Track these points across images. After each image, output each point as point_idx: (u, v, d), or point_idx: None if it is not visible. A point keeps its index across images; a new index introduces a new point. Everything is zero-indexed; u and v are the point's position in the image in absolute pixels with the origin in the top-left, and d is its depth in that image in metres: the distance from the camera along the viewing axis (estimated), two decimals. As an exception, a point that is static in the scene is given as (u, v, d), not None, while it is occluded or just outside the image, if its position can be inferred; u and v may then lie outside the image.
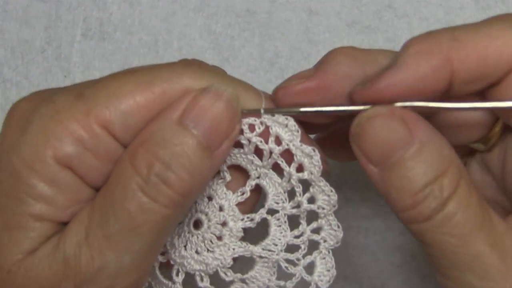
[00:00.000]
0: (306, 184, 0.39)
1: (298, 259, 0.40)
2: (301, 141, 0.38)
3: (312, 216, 0.40)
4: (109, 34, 0.59)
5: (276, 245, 0.40)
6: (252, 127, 0.38)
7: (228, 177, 0.40)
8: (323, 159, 0.39)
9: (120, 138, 0.36)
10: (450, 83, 0.37)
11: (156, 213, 0.35)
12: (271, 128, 0.38)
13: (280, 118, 0.38)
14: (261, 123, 0.38)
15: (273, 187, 0.40)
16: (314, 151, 0.38)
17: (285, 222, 0.40)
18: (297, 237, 0.40)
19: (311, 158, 0.38)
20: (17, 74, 0.60)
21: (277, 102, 0.39)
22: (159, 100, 0.36)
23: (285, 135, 0.38)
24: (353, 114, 0.37)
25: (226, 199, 0.40)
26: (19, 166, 0.35)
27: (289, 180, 0.39)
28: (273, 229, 0.40)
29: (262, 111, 0.38)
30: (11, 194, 0.35)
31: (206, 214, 0.40)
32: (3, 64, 0.60)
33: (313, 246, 0.41)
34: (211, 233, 0.40)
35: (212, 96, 0.36)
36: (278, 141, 0.38)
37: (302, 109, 0.38)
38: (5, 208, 0.35)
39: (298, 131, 0.38)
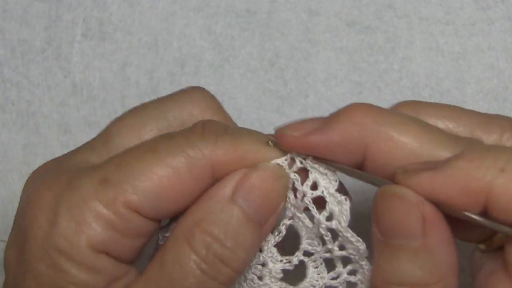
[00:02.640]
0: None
1: None
2: (337, 190, 0.39)
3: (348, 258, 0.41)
4: (109, 34, 0.59)
5: (314, 286, 0.41)
6: (292, 163, 0.39)
7: None
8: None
9: (150, 217, 0.37)
10: (486, 208, 0.35)
11: None
12: (311, 173, 0.38)
13: (321, 167, 0.38)
14: (301, 162, 0.39)
15: (306, 230, 0.40)
16: (346, 200, 0.38)
17: (321, 264, 0.41)
18: (334, 278, 0.41)
19: (341, 206, 0.38)
20: (17, 74, 0.60)
21: (282, 145, 0.39)
22: (187, 182, 0.37)
23: (322, 182, 0.39)
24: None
25: (265, 240, 0.40)
26: (57, 257, 0.36)
27: (318, 227, 0.39)
28: (310, 271, 0.41)
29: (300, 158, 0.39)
30: (54, 285, 0.36)
31: None
32: (3, 64, 0.60)
33: (351, 286, 0.41)
34: (252, 273, 0.40)
35: (262, 173, 0.37)
36: (314, 186, 0.39)
37: (343, 168, 0.38)
38: None
39: (336, 181, 0.38)
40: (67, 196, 0.37)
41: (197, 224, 0.36)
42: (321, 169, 0.38)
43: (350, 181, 0.58)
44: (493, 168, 0.34)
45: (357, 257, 0.40)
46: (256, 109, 0.58)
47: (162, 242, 0.39)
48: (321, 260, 0.41)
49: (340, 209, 0.38)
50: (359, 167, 0.38)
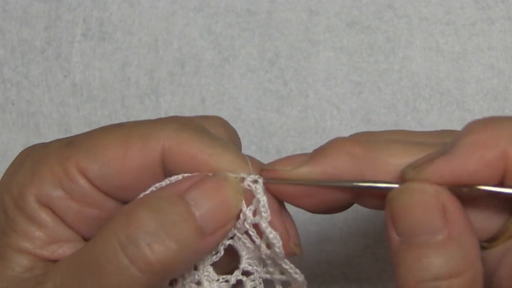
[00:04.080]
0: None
1: None
2: (271, 223, 0.37)
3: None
4: (109, 34, 0.59)
5: None
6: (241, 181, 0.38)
7: None
8: (295, 242, 0.38)
9: (97, 185, 0.38)
10: (504, 177, 0.35)
11: (130, 276, 0.34)
12: (254, 199, 0.37)
13: (263, 197, 0.37)
14: (249, 186, 0.37)
15: (246, 250, 0.39)
16: (276, 239, 0.37)
17: (260, 283, 0.40)
18: None
19: (273, 245, 0.37)
20: (17, 74, 0.60)
21: (273, 179, 0.38)
22: (134, 154, 0.37)
23: (257, 212, 0.37)
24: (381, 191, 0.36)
25: (201, 258, 0.39)
26: (8, 203, 0.38)
27: (259, 251, 0.38)
28: None
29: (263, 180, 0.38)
30: (1, 229, 0.38)
31: (182, 275, 0.39)
32: (3, 64, 0.60)
33: None
34: None
35: (220, 183, 0.36)
36: (255, 212, 0.38)
37: (333, 184, 0.37)
38: None
39: (267, 212, 0.37)
40: (36, 151, 0.39)
41: (138, 205, 0.36)
42: (263, 199, 0.37)
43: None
44: (503, 136, 0.34)
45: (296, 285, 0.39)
46: (256, 109, 0.58)
47: None
48: (260, 280, 0.39)
49: (274, 244, 0.37)
50: (354, 195, 0.38)
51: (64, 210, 0.38)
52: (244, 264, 0.39)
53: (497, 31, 0.57)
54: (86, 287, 0.35)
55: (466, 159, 0.34)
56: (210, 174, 0.37)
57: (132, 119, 0.59)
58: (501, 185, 0.35)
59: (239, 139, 0.42)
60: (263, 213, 0.37)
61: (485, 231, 0.38)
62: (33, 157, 0.38)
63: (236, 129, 0.42)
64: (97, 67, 0.59)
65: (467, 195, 0.35)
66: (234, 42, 0.58)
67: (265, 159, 0.39)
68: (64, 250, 0.38)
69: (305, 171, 0.37)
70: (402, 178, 0.36)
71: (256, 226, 0.38)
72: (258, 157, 0.40)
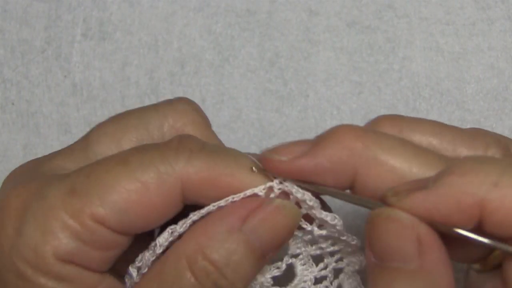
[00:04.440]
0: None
1: (327, 287, 0.41)
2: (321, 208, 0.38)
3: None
4: (109, 34, 0.59)
5: (305, 281, 0.40)
6: (269, 191, 0.38)
7: None
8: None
9: (118, 231, 0.37)
10: (480, 224, 0.34)
11: None
12: (292, 194, 0.38)
13: (299, 192, 0.38)
14: (279, 188, 0.38)
15: (293, 238, 0.40)
16: (335, 219, 0.38)
17: (309, 260, 0.41)
18: (323, 269, 0.41)
19: (334, 226, 0.38)
20: (17, 74, 0.60)
21: (268, 170, 0.38)
22: (153, 196, 0.36)
23: (304, 203, 0.38)
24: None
25: None
26: (24, 267, 0.36)
27: (312, 234, 0.39)
28: (299, 269, 0.41)
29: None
30: None
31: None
32: (3, 64, 0.60)
33: (339, 272, 0.41)
34: None
35: (275, 209, 0.36)
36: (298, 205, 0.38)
37: (330, 190, 0.37)
38: None
39: (317, 202, 0.38)
40: (34, 205, 0.36)
41: (201, 249, 0.36)
42: (306, 194, 0.38)
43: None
44: (486, 183, 0.33)
45: (349, 250, 0.40)
46: (256, 109, 0.58)
47: (151, 252, 0.39)
48: (309, 257, 0.40)
49: (330, 225, 0.38)
50: (347, 189, 0.38)
51: (88, 260, 0.36)
52: (292, 250, 0.40)
53: (497, 31, 0.57)
54: None
55: (441, 200, 0.34)
56: (265, 199, 0.37)
57: (132, 119, 0.59)
58: (477, 230, 0.35)
59: (207, 118, 0.43)
60: (313, 203, 0.38)
61: (473, 255, 0.38)
62: (34, 213, 0.36)
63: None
64: (97, 67, 0.59)
65: (444, 232, 0.35)
66: (234, 42, 0.58)
67: (265, 159, 0.40)
68: None
69: (302, 163, 0.37)
70: (382, 200, 0.36)
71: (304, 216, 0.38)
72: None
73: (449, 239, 0.35)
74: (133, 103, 0.59)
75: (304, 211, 0.38)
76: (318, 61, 0.58)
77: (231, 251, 0.36)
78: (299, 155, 0.37)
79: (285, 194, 0.38)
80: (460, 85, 0.57)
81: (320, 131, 0.38)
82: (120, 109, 0.59)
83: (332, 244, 0.40)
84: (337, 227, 0.38)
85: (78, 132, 0.59)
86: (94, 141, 0.41)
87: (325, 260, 0.41)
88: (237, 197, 0.37)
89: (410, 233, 0.34)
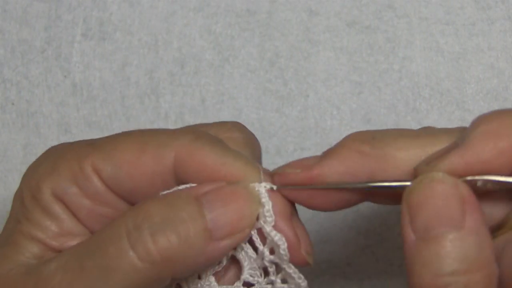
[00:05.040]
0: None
1: None
2: (276, 226, 0.38)
3: None
4: (109, 34, 0.59)
5: None
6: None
7: None
8: (308, 250, 0.39)
9: (109, 186, 0.39)
10: None
11: (129, 262, 0.35)
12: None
13: (266, 203, 0.38)
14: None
15: (249, 261, 0.39)
16: (281, 240, 0.37)
17: None
18: None
19: (278, 247, 0.38)
20: (17, 74, 0.60)
21: (284, 184, 0.38)
22: (147, 160, 0.38)
23: (261, 216, 0.38)
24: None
25: (206, 265, 0.39)
26: (26, 193, 0.39)
27: (262, 259, 0.39)
28: None
29: (271, 187, 0.38)
30: (16, 217, 0.39)
31: (187, 281, 0.40)
32: (3, 64, 0.60)
33: None
34: None
35: (238, 191, 0.37)
36: (258, 217, 0.38)
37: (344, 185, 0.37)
38: (8, 228, 0.40)
39: (271, 217, 0.37)
40: (60, 148, 0.41)
41: (153, 199, 0.37)
42: (267, 203, 0.37)
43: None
44: None
45: None
46: (256, 109, 0.58)
47: None
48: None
49: (278, 249, 0.38)
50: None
51: (77, 206, 0.39)
52: (246, 275, 0.39)
53: (497, 31, 0.57)
54: (87, 266, 0.35)
55: (479, 149, 0.35)
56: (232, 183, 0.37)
57: (132, 119, 0.59)
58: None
59: (257, 142, 0.43)
60: (267, 217, 0.37)
61: (488, 222, 0.38)
62: (56, 153, 0.40)
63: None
64: (97, 67, 0.59)
65: (479, 188, 0.35)
66: (234, 42, 0.58)
67: (265, 159, 0.40)
68: (74, 243, 0.39)
69: (317, 171, 0.37)
70: (415, 175, 0.36)
71: (260, 232, 0.38)
72: (258, 157, 0.40)
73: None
74: (133, 103, 0.59)
75: (258, 225, 0.38)
76: (318, 61, 0.58)
77: (178, 207, 0.36)
78: (312, 165, 0.37)
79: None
80: (460, 85, 0.57)
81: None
82: (120, 109, 0.59)
83: (283, 281, 0.39)
84: (280, 251, 0.37)
85: (78, 132, 0.59)
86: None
87: None
88: (214, 182, 0.37)
89: (455, 193, 0.34)
